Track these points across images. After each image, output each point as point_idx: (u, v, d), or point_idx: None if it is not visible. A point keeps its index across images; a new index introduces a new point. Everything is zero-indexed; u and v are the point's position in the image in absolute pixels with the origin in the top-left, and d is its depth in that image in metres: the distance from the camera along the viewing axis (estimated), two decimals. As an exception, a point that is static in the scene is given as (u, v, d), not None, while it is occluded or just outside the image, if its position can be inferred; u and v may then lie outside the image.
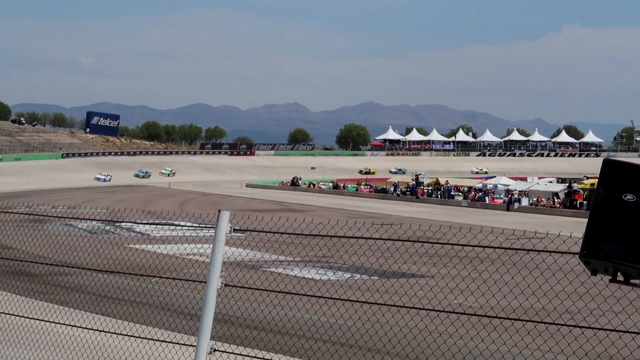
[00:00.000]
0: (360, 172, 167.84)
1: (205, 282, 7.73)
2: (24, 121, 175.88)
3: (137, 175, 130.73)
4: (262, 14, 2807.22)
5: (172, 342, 9.56)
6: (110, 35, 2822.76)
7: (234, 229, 7.62)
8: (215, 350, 7.60)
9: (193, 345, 7.93)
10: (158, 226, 44.85)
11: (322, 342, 15.16)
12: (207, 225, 9.76)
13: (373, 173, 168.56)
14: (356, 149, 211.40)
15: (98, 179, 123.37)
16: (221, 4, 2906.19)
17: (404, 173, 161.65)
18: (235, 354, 8.70)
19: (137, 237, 46.75)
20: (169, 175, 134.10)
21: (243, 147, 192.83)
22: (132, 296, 24.12)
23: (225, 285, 7.62)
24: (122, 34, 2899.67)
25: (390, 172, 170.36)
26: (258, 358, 8.46)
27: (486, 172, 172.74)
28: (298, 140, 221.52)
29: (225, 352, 8.17)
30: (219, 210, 7.59)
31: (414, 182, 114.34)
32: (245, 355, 8.73)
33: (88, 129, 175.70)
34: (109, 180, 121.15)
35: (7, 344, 12.16)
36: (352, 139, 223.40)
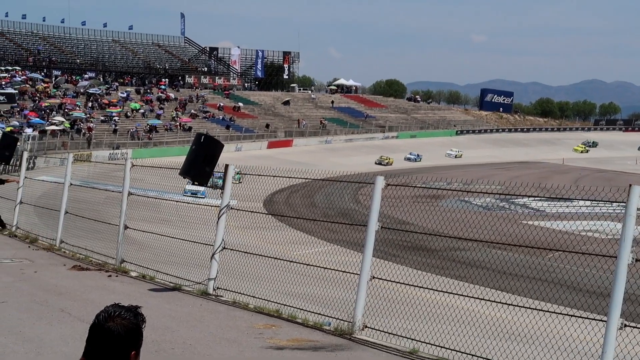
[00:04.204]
0: None
1: (614, 257, 7.64)
2: (419, 99, 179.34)
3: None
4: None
5: (578, 317, 9.46)
6: (500, 12, 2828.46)
7: (646, 204, 7.45)
8: (625, 325, 7.51)
9: (601, 320, 7.87)
10: (553, 203, 44.47)
11: None
12: (604, 201, 9.46)
13: None
14: None
15: (408, 158, 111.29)
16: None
17: None
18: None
19: (532, 213, 46.73)
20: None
21: (638, 123, 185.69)
22: (529, 272, 24.21)
23: (637, 260, 7.50)
24: (512, 11, 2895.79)
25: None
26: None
27: None
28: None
29: (636, 327, 8.04)
30: (630, 185, 7.46)
31: None
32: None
33: (502, 109, 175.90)
34: (420, 160, 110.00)
35: (407, 316, 12.55)
36: None
